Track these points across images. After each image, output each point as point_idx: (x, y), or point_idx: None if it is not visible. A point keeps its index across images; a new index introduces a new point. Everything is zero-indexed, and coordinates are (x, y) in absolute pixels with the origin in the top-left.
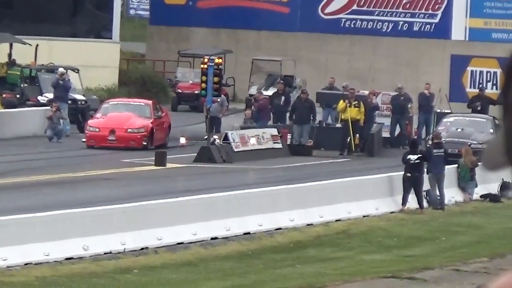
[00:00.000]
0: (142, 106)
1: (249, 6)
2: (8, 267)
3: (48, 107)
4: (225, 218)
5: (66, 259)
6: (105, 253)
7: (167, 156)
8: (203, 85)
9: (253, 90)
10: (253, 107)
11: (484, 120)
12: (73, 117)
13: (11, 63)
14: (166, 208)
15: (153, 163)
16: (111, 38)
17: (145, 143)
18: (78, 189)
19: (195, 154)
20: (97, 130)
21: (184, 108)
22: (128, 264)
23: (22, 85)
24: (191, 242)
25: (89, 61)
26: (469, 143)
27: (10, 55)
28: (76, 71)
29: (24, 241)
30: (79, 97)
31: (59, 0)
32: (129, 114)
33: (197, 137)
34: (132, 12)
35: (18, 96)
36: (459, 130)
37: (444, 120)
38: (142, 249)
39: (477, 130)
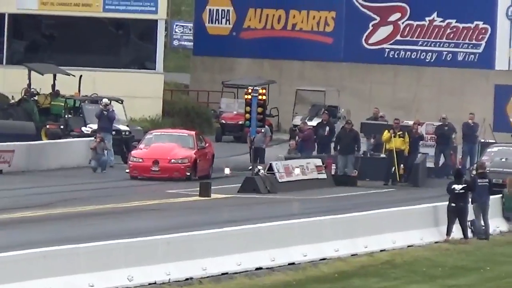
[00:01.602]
0: (186, 137)
1: (293, 37)
2: None
3: (92, 138)
4: (270, 248)
5: None
6: (149, 284)
7: (212, 187)
8: (247, 115)
9: (297, 120)
10: (297, 138)
11: None
12: (117, 148)
13: (55, 94)
14: (211, 238)
15: (198, 193)
16: (154, 69)
17: (188, 174)
18: (122, 219)
19: (240, 184)
20: (140, 160)
21: (228, 138)
22: None
23: (66, 116)
24: (235, 273)
25: (133, 91)
26: None
27: (54, 86)
28: (120, 101)
29: (69, 272)
30: (123, 127)
31: (104, 31)
32: (173, 145)
33: (241, 168)
34: (175, 43)
35: (62, 127)
36: (503, 160)
37: (488, 150)
38: (186, 279)
39: None
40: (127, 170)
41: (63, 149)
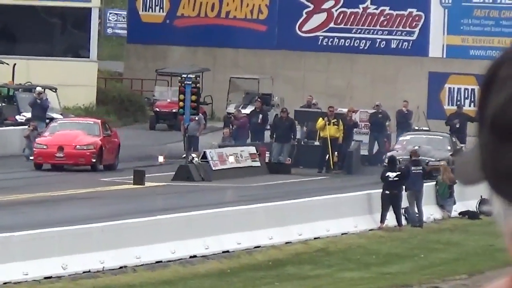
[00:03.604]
0: (91, 125)
1: (226, 24)
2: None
3: (26, 127)
4: (204, 236)
5: (45, 278)
6: (84, 272)
7: (146, 175)
8: (181, 103)
9: (231, 109)
10: (232, 125)
11: (441, 137)
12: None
13: None
14: (145, 226)
15: (132, 181)
16: (88, 57)
17: (94, 160)
18: (56, 208)
19: (174, 172)
20: (45, 147)
21: (162, 126)
22: (106, 282)
23: (1, 104)
24: (170, 261)
25: (67, 80)
26: (427, 161)
27: None
28: (54, 90)
29: (2, 260)
30: (57, 116)
31: (37, 19)
32: (78, 132)
33: (175, 156)
34: (109, 31)
35: None
36: (416, 147)
37: (400, 138)
38: (121, 267)
39: (434, 148)
40: (31, 157)
41: None
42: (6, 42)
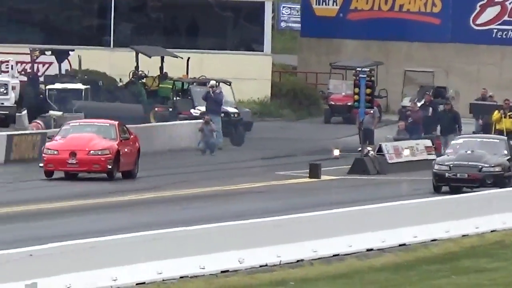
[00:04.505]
0: (107, 127)
1: (400, 18)
2: (163, 280)
3: (201, 120)
4: (380, 229)
5: (222, 272)
6: (260, 266)
7: (322, 168)
8: (356, 97)
9: (406, 102)
10: (407, 118)
11: (497, 140)
12: (226, 130)
13: (163, 76)
14: (321, 220)
15: (307, 175)
16: (262, 51)
17: (110, 167)
18: (231, 202)
19: (349, 166)
20: (55, 152)
21: (336, 120)
22: (283, 276)
23: (174, 98)
24: (346, 254)
25: (241, 73)
26: (480, 167)
27: (161, 68)
28: (228, 83)
29: (179, 254)
30: (231, 109)
31: (210, 13)
32: (92, 135)
33: (351, 149)
34: (283, 24)
35: (170, 109)
36: (468, 152)
37: (453, 142)
38: (297, 261)
39: (489, 152)
40: (41, 164)
41: (171, 131)
42: (180, 37)
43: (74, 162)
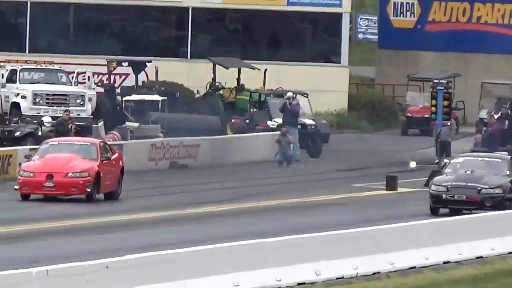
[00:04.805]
0: (87, 146)
1: (478, 29)
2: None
3: (278, 132)
4: (457, 242)
5: (298, 284)
6: (337, 278)
7: (398, 180)
8: (433, 109)
9: (483, 114)
10: (484, 131)
11: (499, 160)
12: (303, 142)
13: (240, 88)
14: (398, 232)
15: (384, 187)
16: (339, 62)
17: (89, 190)
18: (308, 214)
19: (426, 178)
20: (31, 175)
21: (414, 132)
22: None
23: (251, 110)
24: (423, 267)
25: (318, 85)
26: (479, 188)
27: (239, 80)
28: (306, 95)
29: (255, 266)
30: (308, 121)
31: (288, 24)
32: (71, 156)
33: (428, 161)
34: (360, 36)
35: (247, 121)
36: (468, 172)
37: (453, 161)
38: (374, 273)
39: (490, 173)
40: (16, 187)
41: (248, 143)
42: (258, 48)
43: (51, 185)
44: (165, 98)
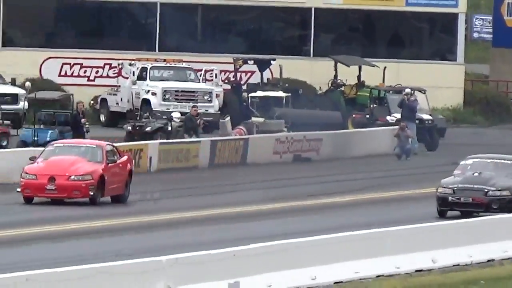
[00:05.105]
0: (93, 149)
1: None
2: (360, 279)
3: (396, 127)
4: None
5: (416, 271)
6: (453, 265)
7: None
8: None
9: None
10: None
11: (509, 162)
12: (420, 136)
13: (361, 84)
14: (506, 222)
15: None
16: (455, 60)
17: (92, 193)
18: (426, 205)
19: None
20: (33, 177)
21: None
22: (475, 275)
23: (371, 106)
24: None
25: (435, 82)
26: (486, 190)
27: (359, 77)
28: (423, 91)
29: (375, 254)
30: (426, 116)
31: (406, 24)
32: (75, 158)
33: None
34: (475, 35)
35: (367, 116)
36: (475, 174)
37: (462, 162)
38: (488, 261)
39: (498, 175)
40: (18, 189)
41: (368, 137)
42: (376, 46)
43: (53, 188)
44: (289, 94)
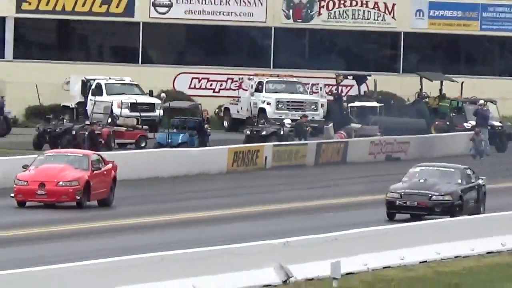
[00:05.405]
0: (80, 158)
1: None
2: (441, 259)
3: (472, 132)
4: None
5: (488, 252)
6: (487, 252)
7: None
8: None
9: None
10: None
11: (453, 170)
12: (492, 140)
13: (442, 96)
14: None
15: None
16: None
17: (78, 198)
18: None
19: None
20: (25, 183)
21: None
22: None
23: (451, 114)
24: None
25: (505, 94)
26: (430, 195)
27: (441, 90)
28: (494, 102)
29: (453, 239)
30: (496, 123)
31: (482, 45)
32: (63, 166)
33: None
34: None
35: (448, 123)
36: (421, 180)
37: (410, 170)
38: None
39: (442, 181)
40: (12, 194)
41: (448, 141)
42: (457, 64)
43: (43, 193)
44: (382, 104)
